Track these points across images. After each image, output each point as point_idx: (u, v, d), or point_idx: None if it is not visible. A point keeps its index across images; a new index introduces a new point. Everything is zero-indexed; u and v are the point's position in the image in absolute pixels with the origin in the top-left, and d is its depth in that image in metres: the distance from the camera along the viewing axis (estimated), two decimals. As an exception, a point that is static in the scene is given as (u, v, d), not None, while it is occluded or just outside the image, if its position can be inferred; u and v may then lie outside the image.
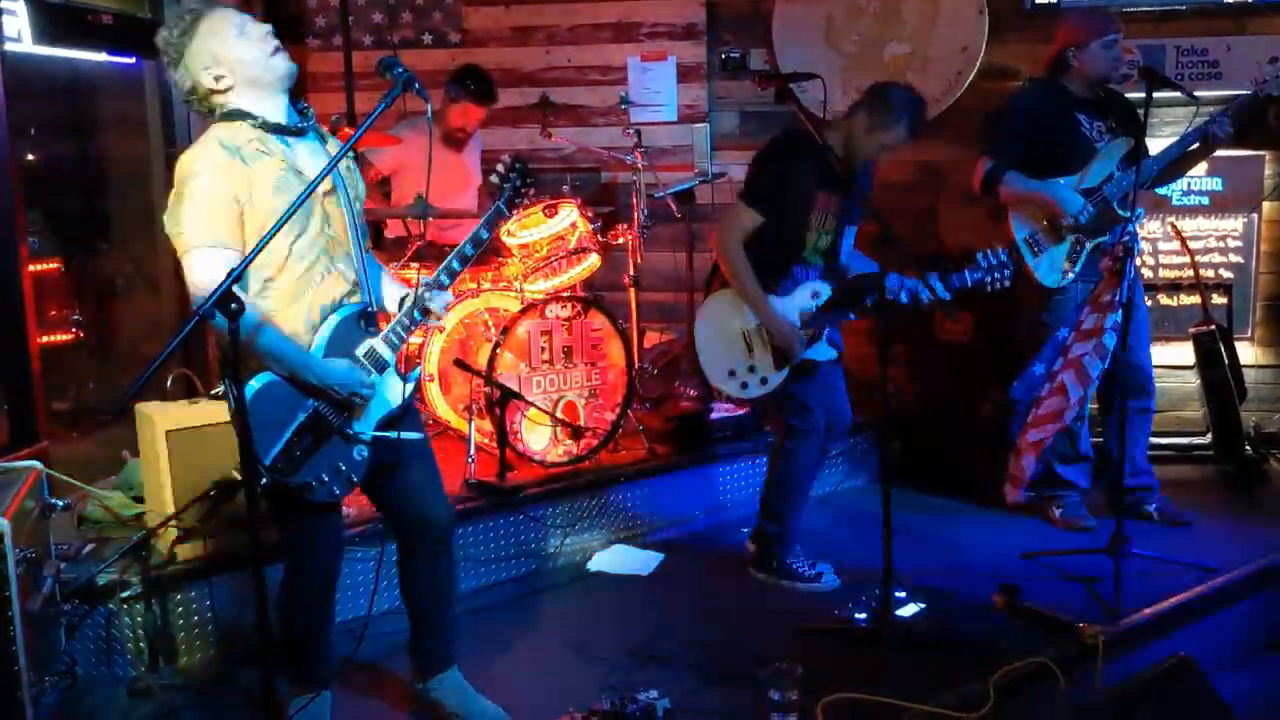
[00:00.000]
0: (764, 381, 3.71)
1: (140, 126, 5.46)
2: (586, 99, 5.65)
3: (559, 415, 4.40)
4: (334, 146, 2.75)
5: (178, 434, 3.40)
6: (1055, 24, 4.39)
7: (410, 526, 2.93)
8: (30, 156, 5.12)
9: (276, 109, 2.65)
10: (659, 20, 5.76)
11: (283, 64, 2.64)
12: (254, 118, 2.61)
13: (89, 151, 5.71)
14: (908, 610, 3.43)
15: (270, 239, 2.34)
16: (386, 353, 2.73)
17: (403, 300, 2.81)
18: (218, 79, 2.59)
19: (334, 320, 2.67)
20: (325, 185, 2.64)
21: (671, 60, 5.71)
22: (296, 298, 2.64)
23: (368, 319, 2.73)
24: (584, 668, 3.29)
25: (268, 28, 2.67)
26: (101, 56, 4.82)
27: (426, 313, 2.76)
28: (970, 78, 5.52)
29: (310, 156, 2.68)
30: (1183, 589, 3.64)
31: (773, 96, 3.62)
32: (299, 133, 2.68)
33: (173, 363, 3.65)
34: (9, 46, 4.13)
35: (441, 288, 2.79)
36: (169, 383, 3.69)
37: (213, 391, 3.64)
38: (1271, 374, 5.43)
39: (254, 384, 2.56)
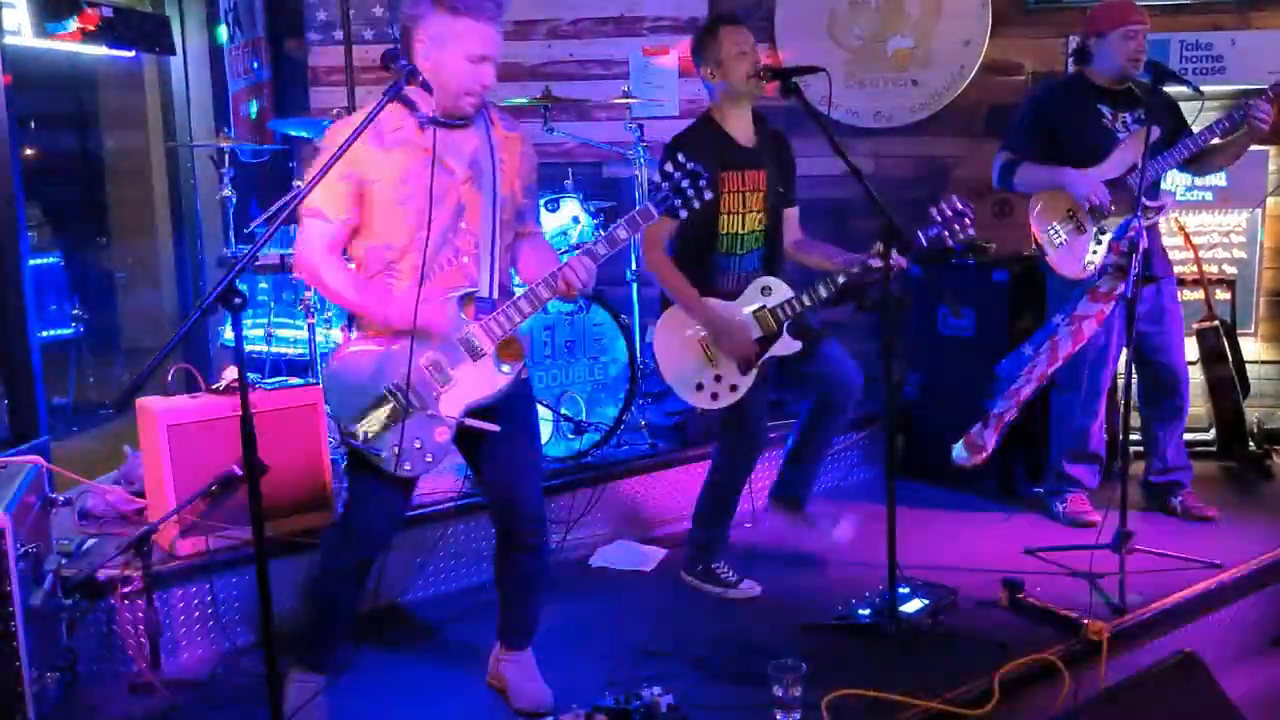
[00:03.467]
0: (734, 388, 3.58)
1: (140, 120, 5.45)
2: (589, 93, 5.63)
3: (561, 410, 4.39)
4: (501, 133, 2.79)
5: (179, 428, 3.39)
6: (1059, 19, 4.36)
7: (501, 517, 2.98)
8: (30, 150, 5.11)
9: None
10: (661, 14, 5.74)
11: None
12: (415, 107, 2.65)
13: (89, 145, 5.70)
14: (912, 606, 3.42)
15: (267, 239, 2.33)
16: (482, 340, 2.73)
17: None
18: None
19: (438, 298, 2.68)
20: (464, 173, 2.69)
21: (674, 54, 5.69)
22: (416, 284, 2.66)
23: (479, 305, 2.73)
24: (587, 664, 3.28)
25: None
26: (102, 50, 4.80)
27: (567, 286, 2.73)
28: (973, 72, 5.50)
29: (459, 147, 2.70)
30: (1187, 585, 3.63)
31: (776, 91, 3.60)
32: (462, 126, 2.71)
33: (173, 357, 3.64)
34: (9, 40, 4.11)
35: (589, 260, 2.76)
36: (170, 377, 3.68)
37: (213, 385, 3.63)
38: (1275, 370, 5.41)
39: (347, 347, 2.72)
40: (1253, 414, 5.12)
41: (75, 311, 5.27)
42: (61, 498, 3.33)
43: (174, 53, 5.24)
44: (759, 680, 2.90)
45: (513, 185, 2.82)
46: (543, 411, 4.33)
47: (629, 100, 4.95)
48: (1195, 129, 4.07)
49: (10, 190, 3.89)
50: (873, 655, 3.24)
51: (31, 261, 4.16)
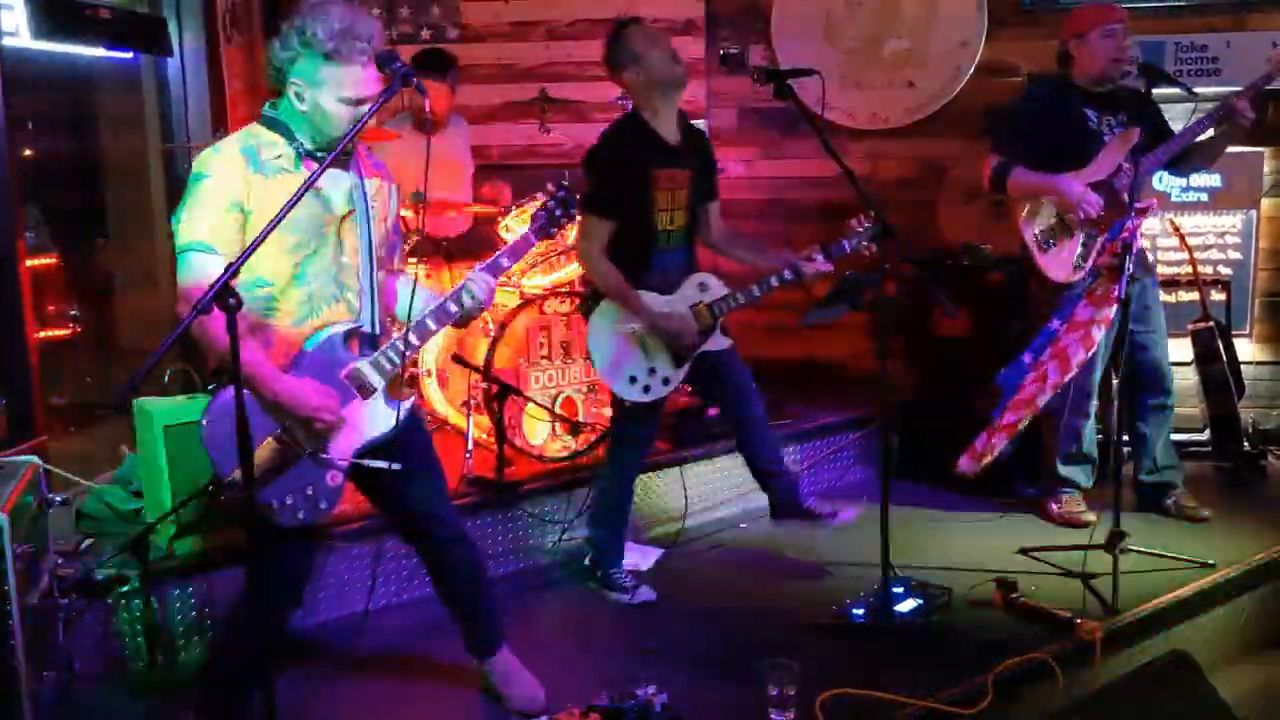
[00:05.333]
0: (666, 381, 3.65)
1: (138, 122, 5.46)
2: (585, 94, 5.64)
3: (557, 410, 4.39)
4: (370, 171, 2.73)
5: (176, 429, 3.40)
6: (1055, 19, 4.38)
7: (419, 542, 2.95)
8: (28, 151, 5.11)
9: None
10: (658, 16, 5.75)
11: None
12: (293, 138, 2.59)
13: (87, 146, 5.70)
14: (906, 606, 3.43)
15: (259, 244, 2.30)
16: (373, 376, 2.65)
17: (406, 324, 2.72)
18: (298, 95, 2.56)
19: (318, 337, 2.60)
20: (343, 208, 2.64)
21: (671, 55, 5.69)
22: (298, 321, 2.60)
23: (362, 340, 2.67)
24: (582, 663, 3.29)
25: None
26: (99, 52, 4.80)
27: (459, 309, 2.70)
28: (969, 73, 5.52)
29: (336, 182, 2.64)
30: (1180, 585, 3.64)
31: (770, 93, 3.61)
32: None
33: (170, 358, 3.65)
34: (7, 41, 4.12)
35: (458, 305, 2.71)
36: (167, 377, 3.69)
37: (209, 386, 3.63)
38: (1270, 371, 5.43)
39: (226, 394, 2.47)
40: (1247, 414, 5.13)
41: (73, 312, 5.27)
42: (59, 498, 3.32)
43: (171, 54, 5.24)
44: (753, 680, 2.92)
45: (386, 222, 2.78)
46: (538, 412, 4.34)
47: (625, 101, 4.94)
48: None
49: (8, 191, 3.90)
50: (867, 655, 3.25)
51: (29, 262, 4.17)
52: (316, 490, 2.62)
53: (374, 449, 2.69)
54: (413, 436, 2.81)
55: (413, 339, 2.69)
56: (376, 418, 2.69)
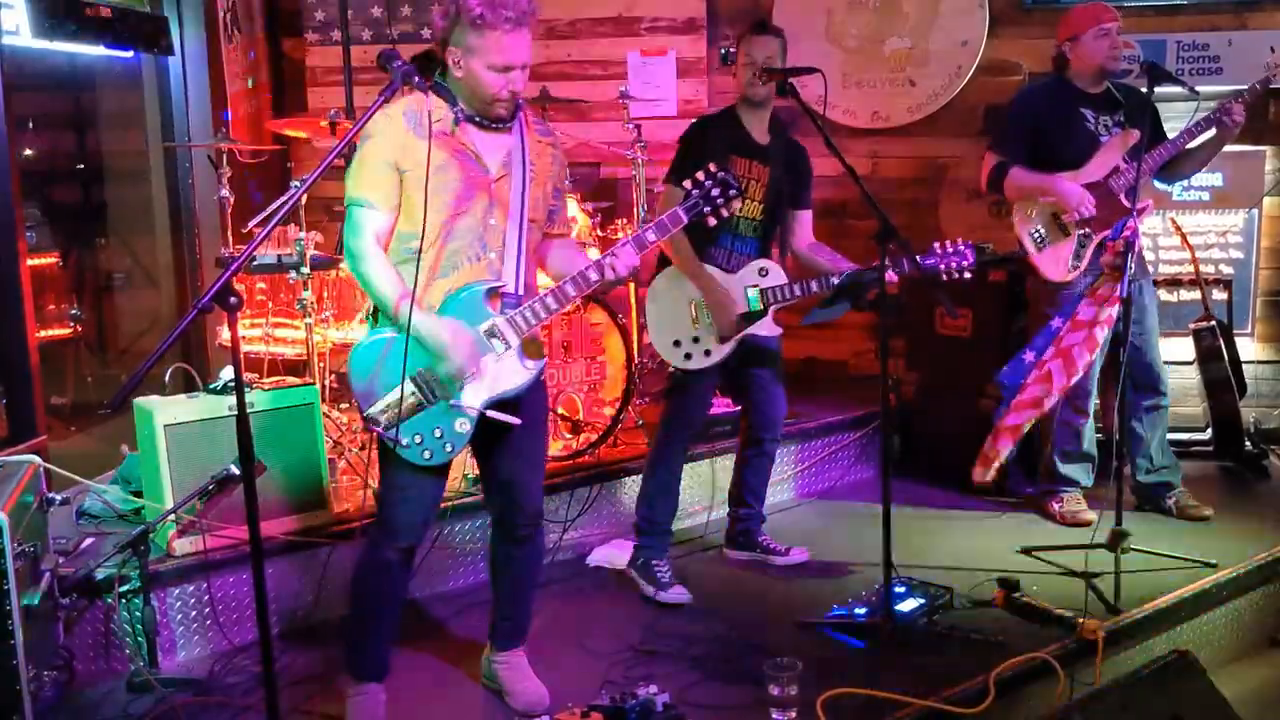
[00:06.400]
0: (707, 354, 3.70)
1: (138, 121, 5.45)
2: (586, 93, 5.63)
3: (558, 410, 4.39)
4: (534, 137, 2.85)
5: (176, 428, 3.40)
6: (1055, 19, 4.38)
7: (500, 509, 3.02)
8: (29, 150, 5.11)
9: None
10: (659, 15, 5.75)
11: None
12: (455, 103, 2.71)
13: (87, 146, 5.70)
14: (907, 605, 3.43)
15: (273, 228, 2.36)
16: (509, 333, 2.76)
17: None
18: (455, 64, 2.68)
19: (462, 293, 2.73)
20: (498, 171, 2.75)
21: (671, 55, 5.70)
22: (442, 274, 2.73)
23: (505, 299, 2.76)
24: (583, 663, 3.29)
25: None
26: (100, 50, 4.80)
27: (599, 277, 2.78)
28: (970, 72, 5.51)
29: (494, 145, 2.76)
30: (1182, 584, 3.63)
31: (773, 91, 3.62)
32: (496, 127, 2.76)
33: (171, 356, 3.64)
34: (7, 40, 4.11)
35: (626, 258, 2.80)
36: (167, 377, 3.68)
37: (210, 385, 3.64)
38: (1272, 370, 5.42)
39: (376, 334, 2.71)
40: (1249, 414, 5.13)
41: (73, 311, 5.27)
42: (59, 497, 3.32)
43: (172, 53, 5.24)
44: (755, 679, 2.91)
45: (544, 187, 2.88)
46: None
47: (626, 100, 4.95)
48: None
49: (8, 190, 3.90)
50: (868, 654, 3.25)
51: (30, 261, 4.17)
52: (445, 434, 2.75)
53: (500, 404, 2.78)
54: (535, 401, 2.93)
55: (550, 302, 2.78)
56: (507, 373, 2.78)
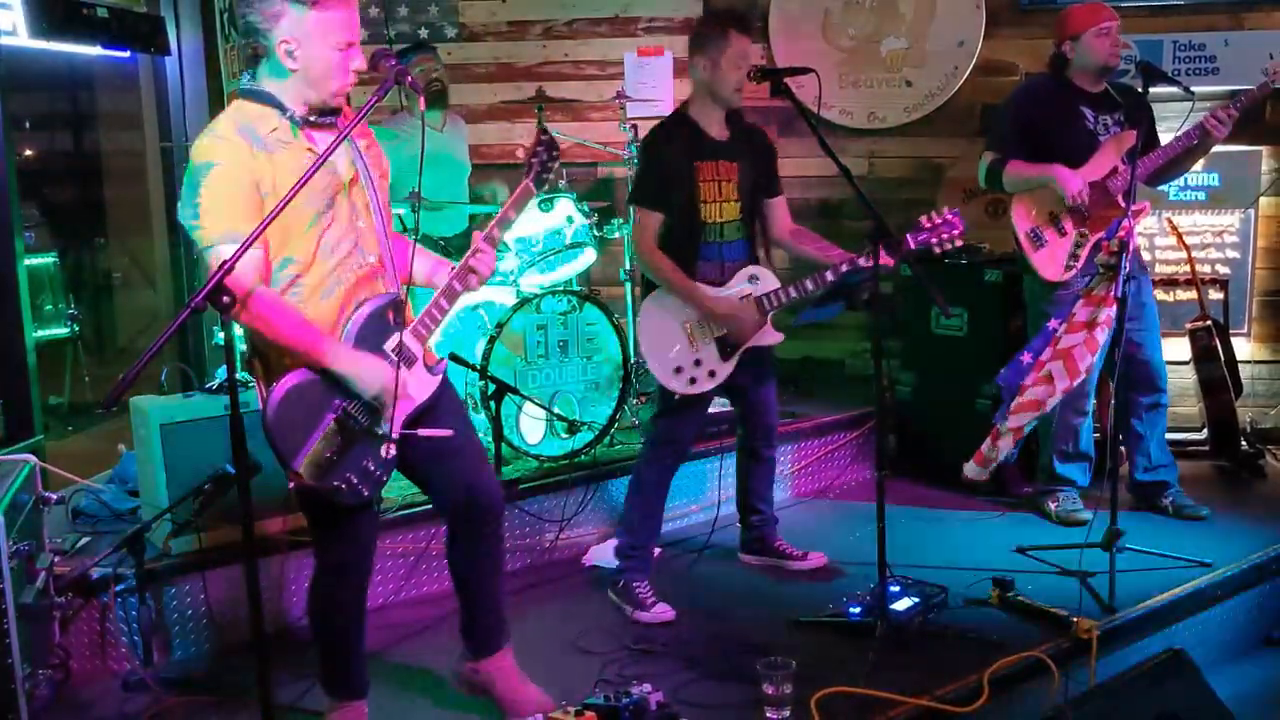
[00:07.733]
0: (711, 375, 3.62)
1: (136, 121, 5.46)
2: (583, 93, 5.64)
3: (554, 409, 4.40)
4: (359, 137, 2.69)
5: (172, 427, 3.40)
6: (1052, 19, 4.38)
7: (460, 512, 2.86)
8: (26, 151, 5.12)
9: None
10: (656, 15, 5.75)
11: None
12: (284, 107, 2.53)
13: (85, 146, 5.71)
14: (902, 604, 3.43)
15: (267, 224, 2.29)
16: (415, 346, 2.67)
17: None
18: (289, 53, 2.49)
19: (364, 312, 2.59)
20: (348, 175, 2.61)
21: (668, 55, 5.70)
22: (326, 293, 2.57)
23: (396, 310, 2.66)
24: (578, 662, 3.29)
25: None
26: (97, 51, 4.80)
27: (468, 277, 2.69)
28: (967, 72, 5.51)
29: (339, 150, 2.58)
30: (1177, 583, 3.64)
31: (768, 92, 3.61)
32: (331, 125, 2.60)
33: (168, 356, 3.65)
34: (4, 41, 4.12)
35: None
36: (164, 376, 3.69)
37: (207, 385, 3.64)
38: (1268, 370, 5.43)
39: (285, 383, 2.48)
40: (1245, 414, 5.14)
41: (71, 311, 5.27)
42: (55, 496, 3.33)
43: (169, 53, 5.25)
44: (749, 678, 2.91)
45: (386, 178, 2.78)
46: (536, 411, 4.34)
47: (623, 100, 4.95)
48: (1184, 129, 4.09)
49: (6, 190, 3.90)
50: (863, 653, 3.25)
51: (27, 261, 4.17)
52: (375, 465, 2.63)
53: (420, 415, 2.71)
54: (448, 398, 2.83)
55: (443, 303, 2.70)
56: (419, 385, 2.71)
